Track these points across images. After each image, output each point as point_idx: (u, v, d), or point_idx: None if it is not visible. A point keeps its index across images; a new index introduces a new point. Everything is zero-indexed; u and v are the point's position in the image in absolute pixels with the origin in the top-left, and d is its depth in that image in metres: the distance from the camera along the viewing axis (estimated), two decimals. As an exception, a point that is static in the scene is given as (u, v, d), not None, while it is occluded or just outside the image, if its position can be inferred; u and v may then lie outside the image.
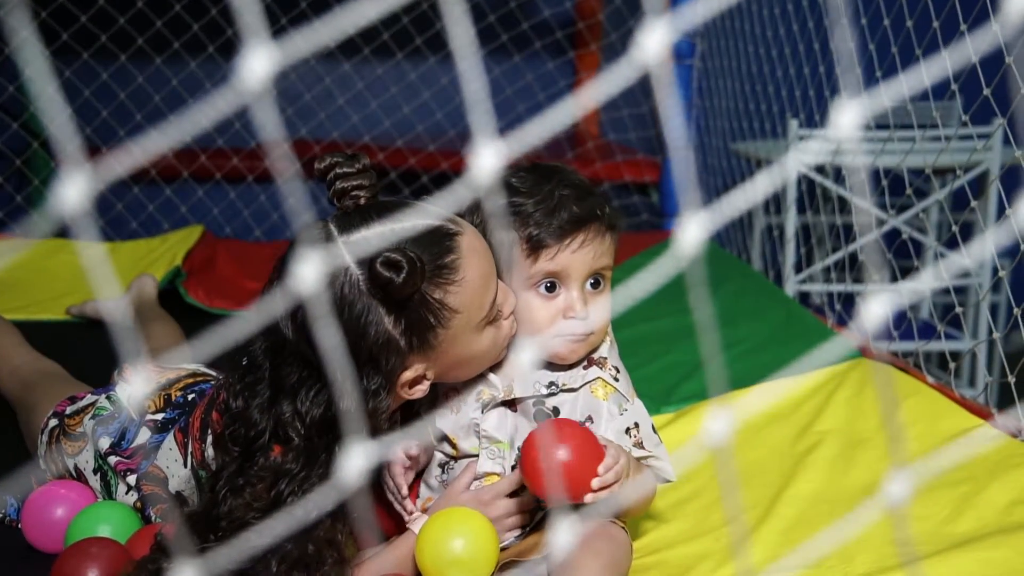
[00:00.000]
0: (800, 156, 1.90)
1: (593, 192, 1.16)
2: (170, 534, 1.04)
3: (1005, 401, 1.48)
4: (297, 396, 1.02)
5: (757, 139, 2.72)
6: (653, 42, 0.39)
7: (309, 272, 0.38)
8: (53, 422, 1.38)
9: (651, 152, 3.29)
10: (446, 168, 3.22)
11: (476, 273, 1.06)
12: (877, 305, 0.46)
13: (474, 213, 1.14)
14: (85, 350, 1.78)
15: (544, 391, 1.15)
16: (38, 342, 1.75)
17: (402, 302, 1.01)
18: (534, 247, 1.11)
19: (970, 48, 0.64)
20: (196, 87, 3.09)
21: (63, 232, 2.48)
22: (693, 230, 0.40)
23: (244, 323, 0.49)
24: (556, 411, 1.14)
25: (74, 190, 0.33)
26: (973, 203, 1.65)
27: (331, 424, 1.01)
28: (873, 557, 1.13)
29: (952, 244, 2.41)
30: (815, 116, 2.37)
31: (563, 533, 0.44)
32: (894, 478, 0.48)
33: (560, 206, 1.11)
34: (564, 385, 1.15)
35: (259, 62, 0.35)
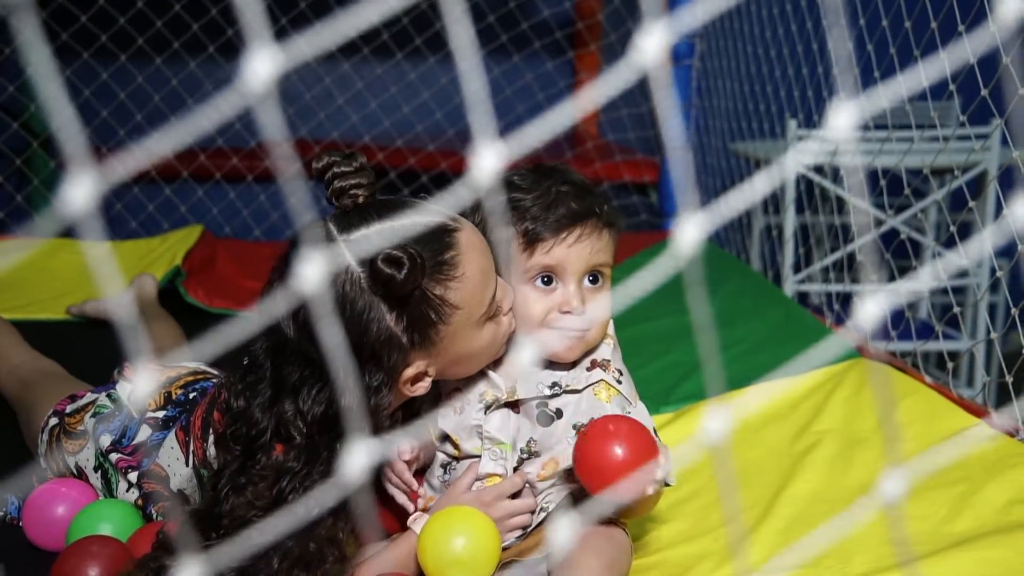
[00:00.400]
0: (799, 157, 1.90)
1: (592, 191, 1.17)
2: (172, 532, 1.04)
3: (1003, 401, 1.48)
4: (299, 395, 1.02)
5: (756, 139, 2.72)
6: (652, 44, 0.39)
7: (312, 272, 0.38)
8: (53, 421, 1.39)
9: (650, 152, 3.29)
10: (445, 168, 3.23)
11: (476, 269, 1.06)
12: (873, 304, 0.46)
13: (475, 211, 1.15)
14: (85, 349, 1.78)
15: (547, 392, 1.15)
16: (38, 341, 1.76)
17: (403, 299, 1.01)
18: (531, 241, 1.12)
19: (968, 49, 0.65)
20: (196, 87, 3.10)
21: (64, 232, 2.48)
22: (691, 230, 0.41)
23: (245, 323, 0.49)
24: (559, 413, 1.15)
25: (81, 191, 0.33)
26: (971, 203, 1.65)
27: (333, 422, 1.01)
28: (871, 557, 1.13)
29: (950, 244, 2.41)
30: (814, 116, 2.37)
31: (563, 531, 0.45)
32: (890, 476, 0.48)
33: (557, 201, 1.12)
34: (567, 386, 1.15)
35: (263, 64, 0.36)
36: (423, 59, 3.22)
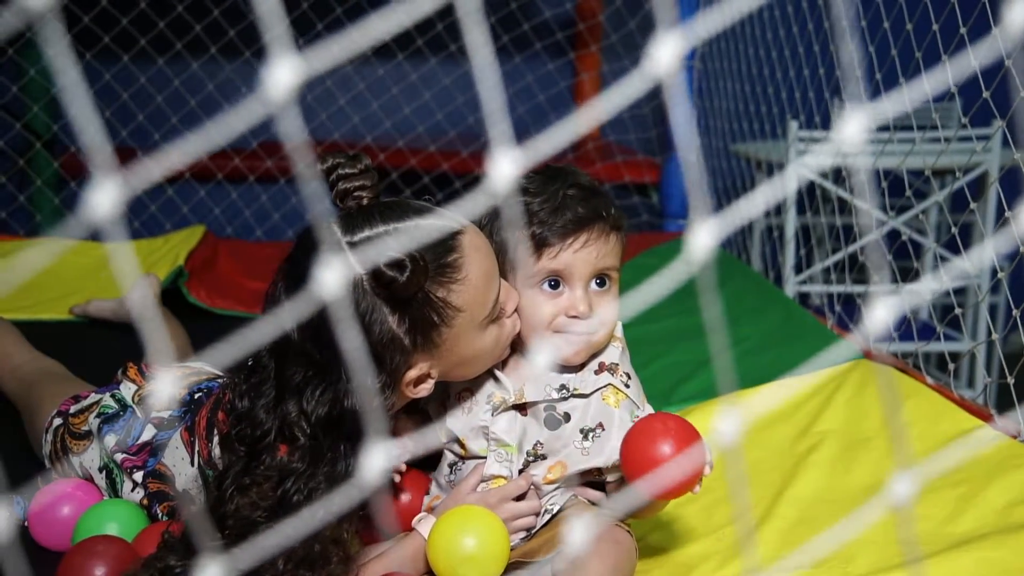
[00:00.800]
0: (804, 160, 1.91)
1: (600, 193, 1.17)
2: (177, 532, 1.05)
3: (1004, 402, 1.49)
4: (303, 396, 1.02)
5: (757, 140, 2.73)
6: (665, 54, 0.40)
7: (331, 277, 0.39)
8: (57, 421, 1.39)
9: (651, 153, 3.30)
10: (446, 168, 3.23)
11: (479, 271, 1.06)
12: (882, 309, 0.46)
13: (482, 215, 1.15)
14: (88, 350, 1.79)
15: (555, 395, 1.15)
16: (41, 342, 1.76)
17: (406, 301, 1.02)
18: (538, 245, 1.12)
19: (969, 51, 0.65)
20: (198, 87, 3.10)
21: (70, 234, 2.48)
22: (704, 236, 0.41)
23: (257, 325, 0.50)
24: (567, 416, 1.15)
25: (104, 195, 0.34)
26: (972, 204, 1.65)
27: (336, 423, 1.02)
28: (873, 557, 1.14)
29: (951, 245, 2.42)
30: (815, 117, 2.38)
31: (579, 531, 0.45)
32: (898, 478, 0.49)
33: (565, 206, 1.12)
34: (575, 389, 1.15)
35: (284, 73, 0.36)
36: (424, 60, 3.22)
